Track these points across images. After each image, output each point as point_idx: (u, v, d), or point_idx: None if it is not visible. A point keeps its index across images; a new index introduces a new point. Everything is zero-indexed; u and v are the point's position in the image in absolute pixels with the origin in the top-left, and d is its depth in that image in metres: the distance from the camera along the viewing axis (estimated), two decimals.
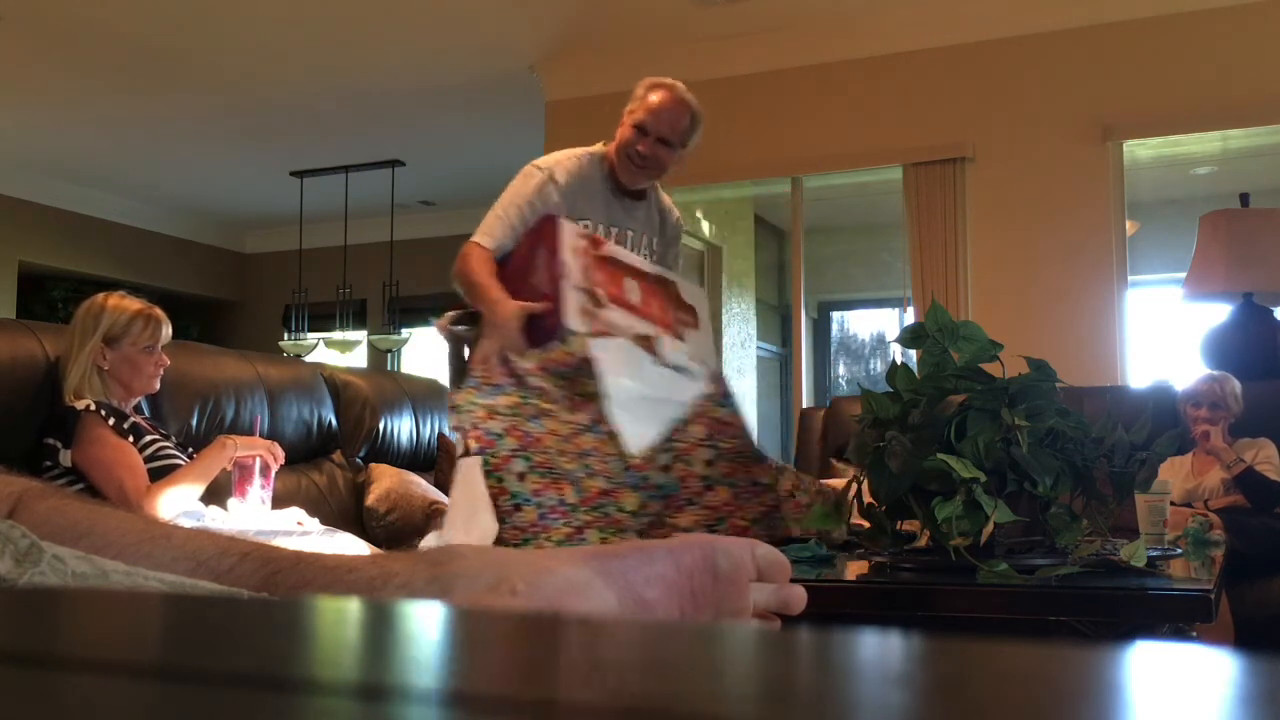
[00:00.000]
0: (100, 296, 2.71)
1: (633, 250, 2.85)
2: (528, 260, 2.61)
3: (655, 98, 2.79)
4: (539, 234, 2.59)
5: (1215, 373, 3.79)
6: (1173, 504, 2.73)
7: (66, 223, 8.67)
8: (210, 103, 6.86)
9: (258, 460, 2.69)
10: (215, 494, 2.69)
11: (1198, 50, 5.12)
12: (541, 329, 2.46)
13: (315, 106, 6.94)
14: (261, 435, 2.86)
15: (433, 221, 9.17)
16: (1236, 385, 3.69)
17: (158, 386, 2.76)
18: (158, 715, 0.24)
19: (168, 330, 2.74)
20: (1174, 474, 3.53)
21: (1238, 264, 4.34)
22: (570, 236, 2.54)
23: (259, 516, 2.64)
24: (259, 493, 2.68)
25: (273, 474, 2.73)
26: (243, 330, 9.87)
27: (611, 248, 2.65)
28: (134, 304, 2.71)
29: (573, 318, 2.41)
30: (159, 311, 2.75)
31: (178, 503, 2.53)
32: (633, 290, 2.56)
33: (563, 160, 2.84)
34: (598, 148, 2.90)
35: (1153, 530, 2.46)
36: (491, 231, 2.75)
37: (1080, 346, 5.08)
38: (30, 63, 6.22)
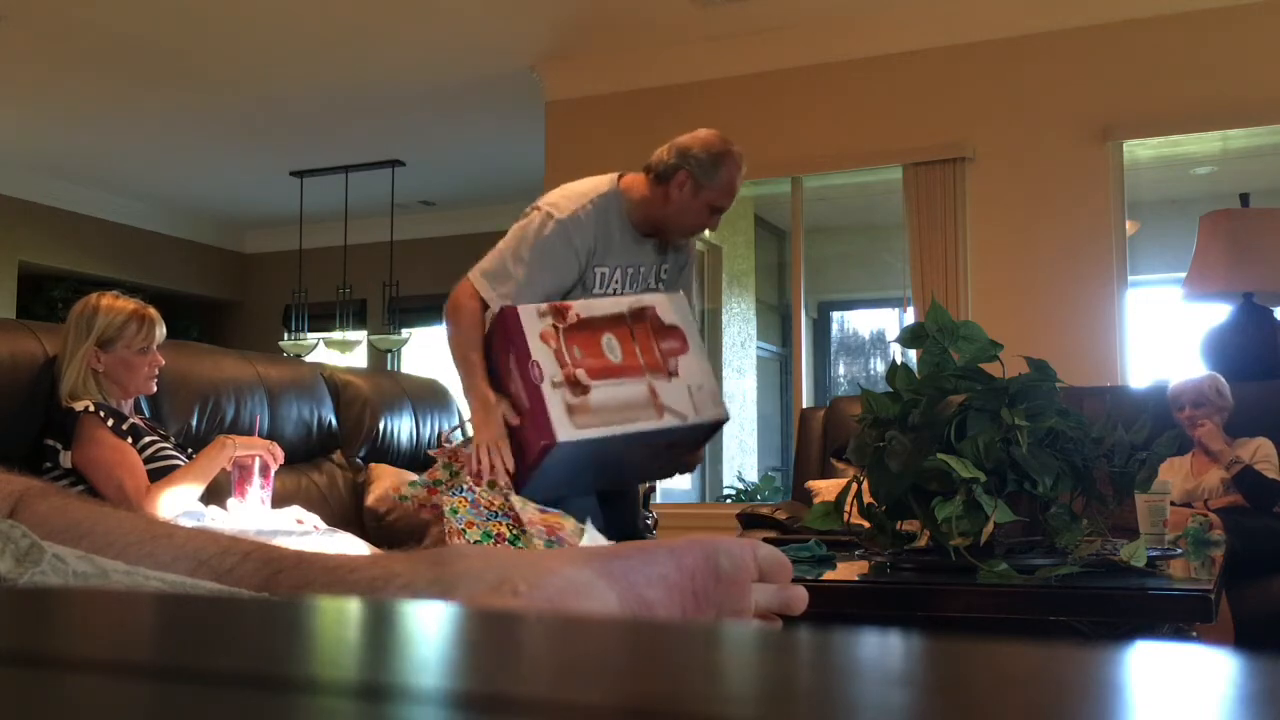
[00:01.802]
0: (94, 297, 2.68)
1: (645, 282, 2.75)
2: (503, 365, 2.53)
3: (736, 180, 2.66)
4: (503, 334, 2.50)
5: (1200, 374, 3.80)
6: (1172, 504, 2.73)
7: (66, 223, 8.67)
8: (210, 103, 6.86)
9: (257, 460, 2.68)
10: (215, 494, 2.69)
11: (1198, 50, 5.12)
12: (529, 449, 2.44)
13: (315, 106, 6.94)
14: (261, 435, 2.86)
15: (433, 221, 9.18)
16: (1222, 382, 3.69)
17: (154, 389, 2.74)
18: (158, 715, 0.24)
19: (162, 330, 2.72)
20: (1174, 474, 3.53)
21: (1238, 264, 4.34)
22: (533, 323, 2.46)
23: (259, 516, 2.64)
24: (259, 493, 2.68)
25: (272, 474, 2.73)
26: (243, 330, 9.88)
27: (581, 307, 2.53)
28: (128, 304, 2.68)
29: (562, 429, 2.38)
30: (153, 311, 2.72)
31: (178, 503, 2.53)
32: (611, 347, 2.51)
33: (573, 209, 2.62)
34: (608, 184, 2.70)
35: (1153, 530, 2.46)
36: (494, 276, 2.59)
37: (1080, 346, 5.08)
38: (30, 63, 6.22)
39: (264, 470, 2.70)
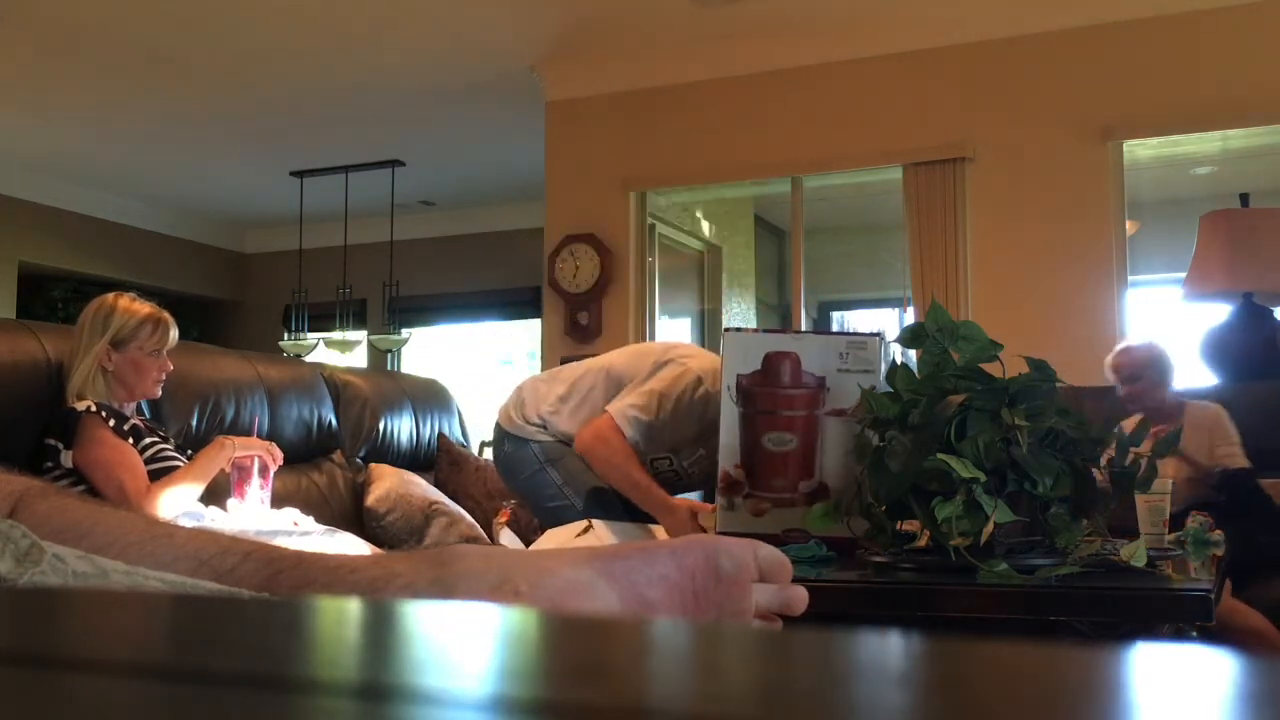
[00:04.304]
0: (111, 297, 2.71)
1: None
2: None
3: None
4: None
5: (1142, 342, 3.60)
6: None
7: (66, 223, 8.67)
8: (210, 103, 6.86)
9: (256, 461, 2.69)
10: (215, 494, 2.69)
11: (1198, 50, 5.12)
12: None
13: (315, 106, 6.94)
14: (261, 436, 2.86)
15: (433, 221, 9.17)
16: (1155, 350, 3.52)
17: (159, 393, 2.75)
18: (158, 715, 0.24)
19: (174, 334, 2.74)
20: None
21: (1238, 264, 4.34)
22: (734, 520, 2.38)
23: (259, 517, 2.65)
24: (258, 493, 2.68)
25: (271, 474, 2.73)
26: (243, 330, 9.87)
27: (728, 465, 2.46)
28: (144, 307, 2.71)
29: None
30: (168, 316, 2.75)
31: (177, 503, 2.53)
32: (780, 441, 2.39)
33: (717, 386, 2.63)
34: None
35: (1153, 530, 2.46)
36: (630, 420, 2.67)
37: (1080, 346, 5.07)
38: (30, 63, 6.22)
39: (263, 471, 2.70)
